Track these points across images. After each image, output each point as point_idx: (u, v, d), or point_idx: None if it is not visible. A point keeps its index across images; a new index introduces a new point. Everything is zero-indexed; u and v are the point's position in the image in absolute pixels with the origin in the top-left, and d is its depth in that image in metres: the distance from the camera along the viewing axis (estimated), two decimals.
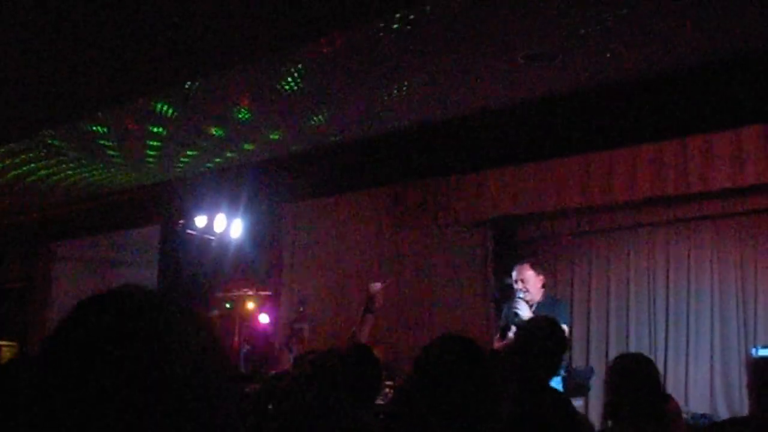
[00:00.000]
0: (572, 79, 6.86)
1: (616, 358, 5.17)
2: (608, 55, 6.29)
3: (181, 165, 9.71)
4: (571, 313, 11.95)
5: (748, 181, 9.80)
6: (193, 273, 11.95)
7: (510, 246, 14.03)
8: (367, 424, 4.59)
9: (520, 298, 8.24)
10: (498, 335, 8.37)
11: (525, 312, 8.12)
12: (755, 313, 12.14)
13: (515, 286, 8.40)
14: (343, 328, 11.63)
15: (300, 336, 10.77)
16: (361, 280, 12.16)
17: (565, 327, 8.33)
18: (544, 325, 5.46)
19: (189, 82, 6.85)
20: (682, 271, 12.84)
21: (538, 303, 8.38)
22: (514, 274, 8.54)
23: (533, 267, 8.54)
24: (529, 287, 8.35)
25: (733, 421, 6.11)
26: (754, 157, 9.64)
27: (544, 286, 8.61)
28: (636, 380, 4.65)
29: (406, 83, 7.03)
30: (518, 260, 12.82)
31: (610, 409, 4.72)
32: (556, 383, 8.06)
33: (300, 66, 6.54)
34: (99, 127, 8.13)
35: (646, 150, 10.31)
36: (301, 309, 11.13)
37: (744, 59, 6.66)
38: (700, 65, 6.76)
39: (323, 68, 6.57)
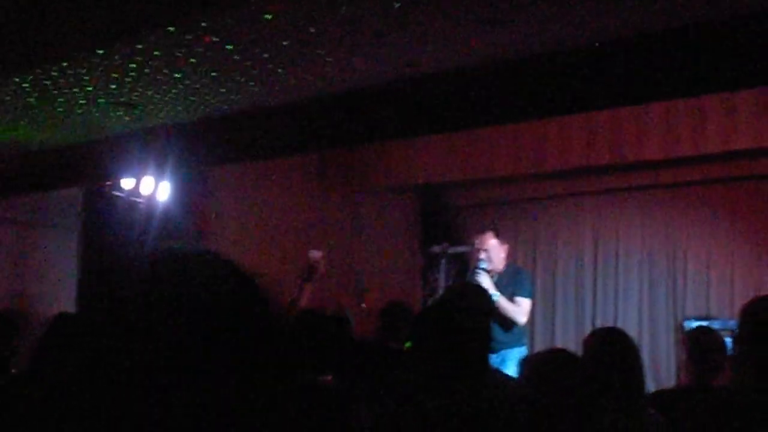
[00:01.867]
0: (516, 45, 6.76)
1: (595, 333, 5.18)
2: (554, 22, 6.19)
3: (108, 125, 9.47)
4: None
5: (680, 152, 9.83)
6: (119, 236, 11.74)
7: (437, 213, 14.02)
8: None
9: (481, 269, 8.03)
10: None
11: (486, 284, 7.90)
12: (684, 286, 12.23)
13: (478, 255, 8.23)
14: (270, 292, 11.50)
15: None
16: (288, 245, 12.06)
17: (527, 300, 8.13)
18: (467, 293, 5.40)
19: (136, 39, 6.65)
20: (611, 242, 12.91)
21: (500, 273, 8.20)
22: (475, 243, 8.37)
23: (497, 236, 8.36)
24: (492, 257, 8.15)
25: (676, 390, 6.14)
26: (686, 129, 9.67)
27: (508, 255, 8.43)
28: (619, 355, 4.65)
29: (337, 47, 6.88)
30: (445, 228, 12.80)
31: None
32: (521, 355, 7.84)
33: (231, 28, 6.37)
34: (24, 83, 7.88)
35: (579, 119, 10.29)
36: None
37: (683, 30, 6.62)
38: (641, 34, 6.71)
39: (256, 31, 6.40)
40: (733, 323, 10.83)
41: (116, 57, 7.14)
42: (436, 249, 13.85)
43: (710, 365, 5.51)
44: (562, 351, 3.90)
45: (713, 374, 5.49)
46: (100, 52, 7.09)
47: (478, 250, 8.25)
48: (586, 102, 8.67)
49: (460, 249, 13.68)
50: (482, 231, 8.58)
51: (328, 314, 7.59)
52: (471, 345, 3.79)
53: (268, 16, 5.99)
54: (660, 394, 5.89)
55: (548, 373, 3.33)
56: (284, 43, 6.77)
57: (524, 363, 3.78)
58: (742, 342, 3.81)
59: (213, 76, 7.67)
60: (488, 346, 4.61)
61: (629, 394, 4.52)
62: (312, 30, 6.45)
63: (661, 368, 12.09)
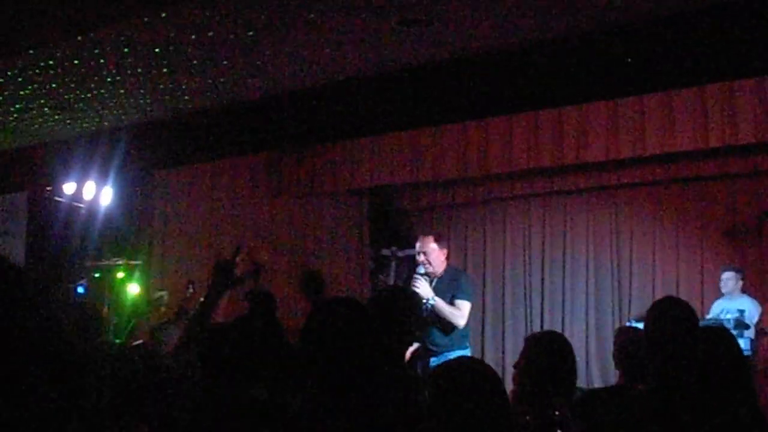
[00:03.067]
0: (449, 45, 6.78)
1: (533, 337, 5.15)
2: (484, 22, 6.21)
3: (48, 129, 9.40)
4: None
5: (622, 153, 9.87)
6: (61, 242, 11.64)
7: (386, 216, 14.04)
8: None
9: (420, 274, 7.96)
10: None
11: (424, 289, 7.82)
12: (630, 285, 12.32)
13: (418, 258, 8.17)
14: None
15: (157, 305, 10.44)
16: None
17: (466, 303, 8.06)
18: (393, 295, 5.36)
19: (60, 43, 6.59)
20: (558, 243, 12.98)
21: (439, 277, 8.12)
22: (417, 246, 8.31)
23: (437, 240, 8.27)
24: (431, 260, 8.06)
25: (606, 390, 6.13)
26: (628, 130, 9.71)
27: (448, 258, 8.36)
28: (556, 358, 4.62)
29: (278, 47, 6.87)
30: (394, 231, 12.79)
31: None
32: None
33: (169, 28, 6.34)
34: None
35: (522, 121, 10.33)
36: (191, 290, 10.81)
37: (616, 28, 6.66)
38: (578, 33, 6.73)
39: (192, 31, 6.38)
40: None
41: (58, 57, 7.08)
42: (386, 252, 13.85)
43: (636, 366, 5.48)
44: (469, 359, 3.88)
45: (640, 374, 5.47)
46: (42, 51, 7.03)
47: (419, 254, 8.19)
48: (531, 102, 8.70)
49: (410, 252, 13.67)
50: (424, 235, 8.55)
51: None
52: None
53: None
54: (589, 394, 5.88)
55: (451, 382, 3.30)
56: (221, 44, 6.76)
57: (431, 373, 3.74)
58: (650, 341, 3.81)
59: (150, 78, 7.62)
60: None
61: (562, 394, 4.51)
62: (249, 30, 6.44)
63: (609, 367, 12.15)
